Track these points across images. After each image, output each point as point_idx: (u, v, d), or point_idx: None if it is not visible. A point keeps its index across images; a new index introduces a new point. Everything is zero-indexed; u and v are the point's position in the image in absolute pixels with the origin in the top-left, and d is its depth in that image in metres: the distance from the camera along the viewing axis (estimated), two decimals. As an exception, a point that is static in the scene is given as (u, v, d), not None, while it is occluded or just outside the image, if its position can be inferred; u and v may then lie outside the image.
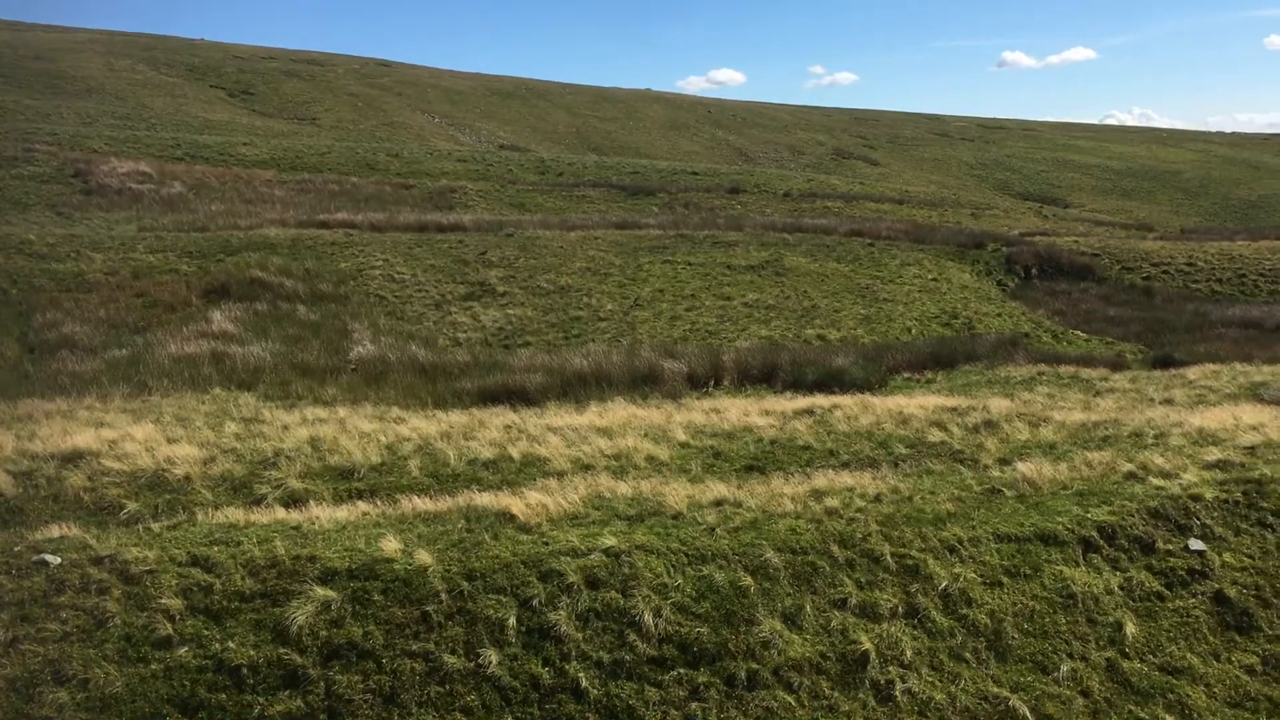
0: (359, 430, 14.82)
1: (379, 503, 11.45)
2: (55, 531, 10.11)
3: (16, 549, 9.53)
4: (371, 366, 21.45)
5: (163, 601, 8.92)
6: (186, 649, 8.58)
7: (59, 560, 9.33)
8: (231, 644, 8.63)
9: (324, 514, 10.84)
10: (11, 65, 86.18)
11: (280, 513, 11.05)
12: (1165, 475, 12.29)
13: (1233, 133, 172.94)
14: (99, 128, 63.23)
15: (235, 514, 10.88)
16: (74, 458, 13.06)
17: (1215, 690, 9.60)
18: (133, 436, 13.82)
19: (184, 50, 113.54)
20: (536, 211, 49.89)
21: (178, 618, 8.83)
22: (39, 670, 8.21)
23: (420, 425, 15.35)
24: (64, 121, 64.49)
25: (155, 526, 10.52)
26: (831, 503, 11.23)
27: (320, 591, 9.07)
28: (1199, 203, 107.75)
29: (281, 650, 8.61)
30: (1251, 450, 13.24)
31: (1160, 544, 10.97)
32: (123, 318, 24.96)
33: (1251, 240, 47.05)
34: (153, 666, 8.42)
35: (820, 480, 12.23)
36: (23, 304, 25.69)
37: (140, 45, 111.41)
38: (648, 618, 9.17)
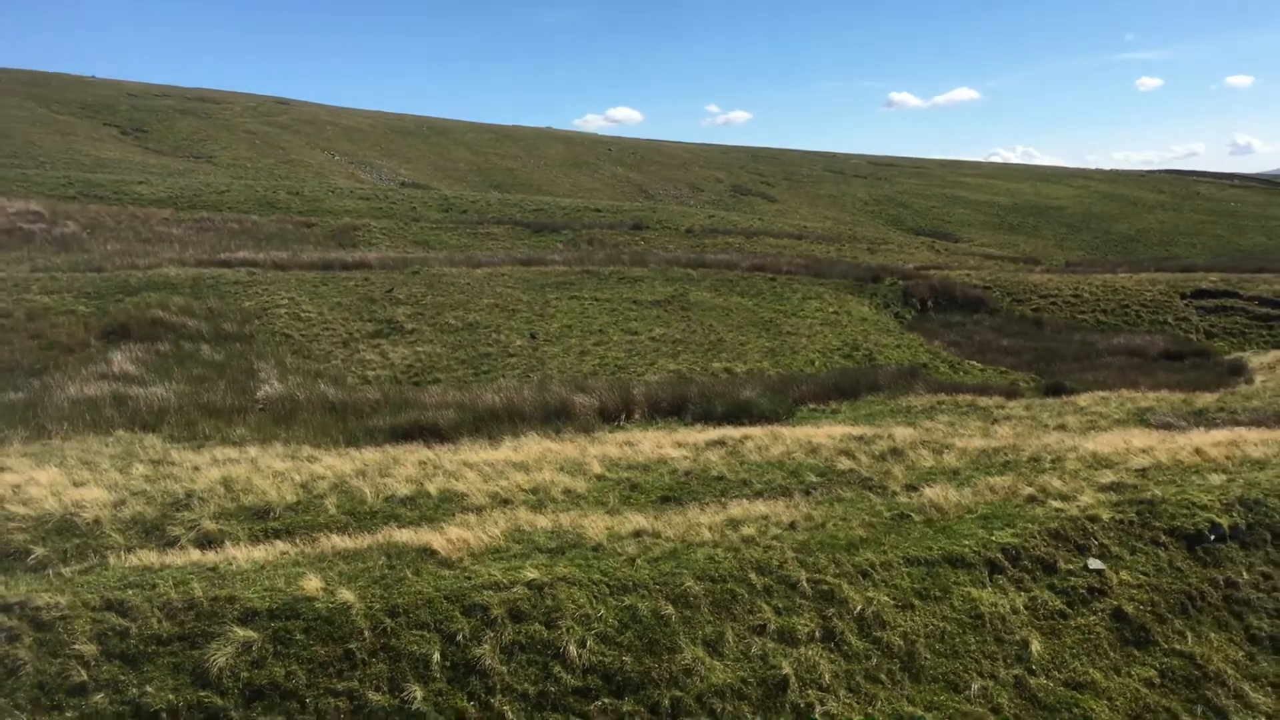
0: (272, 469, 14.63)
1: (297, 542, 11.35)
2: (-40, 579, 9.83)
3: (-79, 598, 9.26)
4: (280, 405, 21.14)
5: (76, 647, 8.76)
6: (103, 695, 8.43)
7: (-34, 608, 9.09)
8: (150, 688, 8.50)
9: (241, 554, 10.72)
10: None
11: (195, 554, 10.90)
12: (1064, 498, 12.82)
13: (1111, 170, 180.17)
14: (-16, 165, 61.29)
15: (149, 556, 10.70)
16: (-26, 504, 12.68)
17: (1117, 703, 10.03)
18: (37, 480, 13.44)
19: (75, 87, 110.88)
20: (441, 249, 49.66)
21: (93, 663, 8.67)
22: (-52, 721, 7.99)
23: (334, 463, 15.23)
24: (-54, 159, 62.40)
25: (66, 571, 10.30)
26: (748, 531, 11.48)
27: (240, 632, 8.99)
28: (1081, 237, 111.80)
29: (202, 693, 8.51)
30: (1143, 472, 13.88)
31: (1061, 564, 11.44)
32: (18, 360, 24.20)
33: (1132, 273, 49.01)
34: (68, 714, 8.26)
35: (736, 509, 12.47)
36: (-92, 347, 24.76)
37: (28, 82, 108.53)
38: (572, 649, 9.28)
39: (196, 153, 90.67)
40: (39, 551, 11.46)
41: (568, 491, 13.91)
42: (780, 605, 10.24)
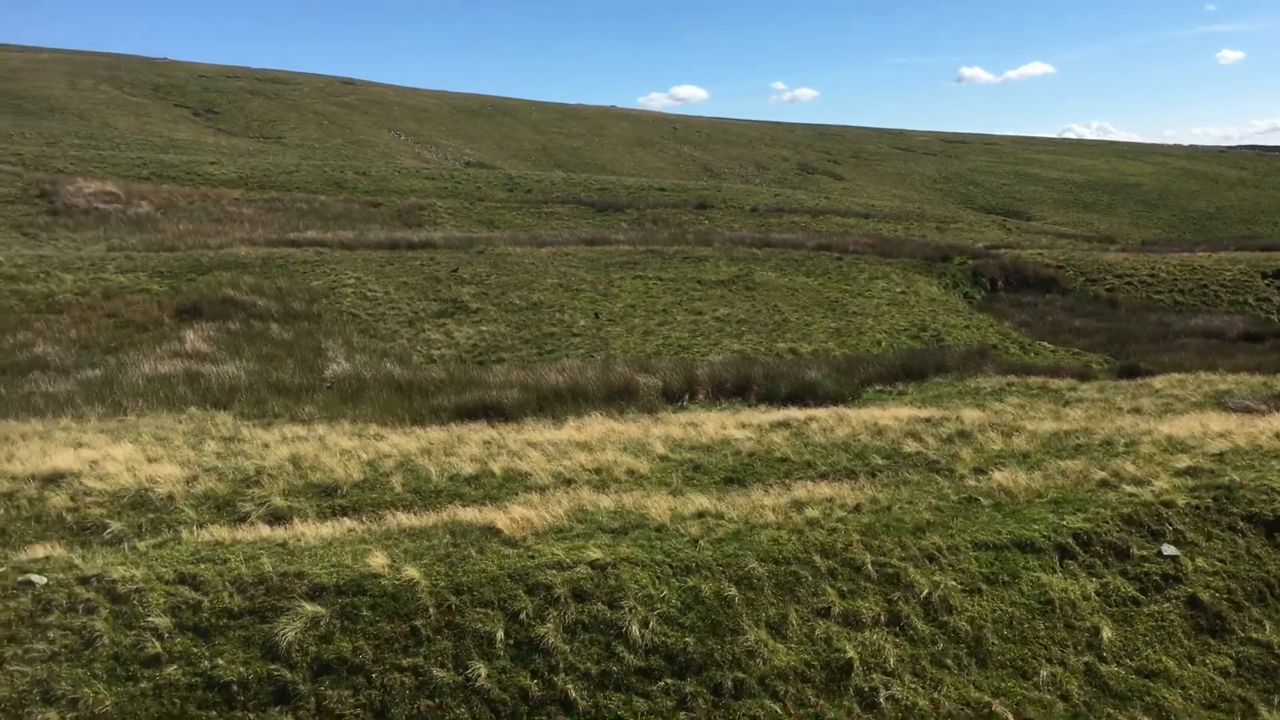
0: (339, 447, 14.82)
1: (363, 519, 11.49)
2: (40, 552, 10.07)
3: (1, 569, 9.50)
4: (347, 384, 21.42)
5: (151, 620, 8.93)
6: (176, 667, 8.58)
7: (45, 580, 9.31)
8: (221, 661, 8.65)
9: (309, 531, 10.86)
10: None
11: (265, 530, 11.06)
12: (1137, 482, 12.53)
13: (1190, 146, 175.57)
14: (63, 147, 62.75)
15: (220, 532, 10.89)
16: (54, 478, 13.00)
17: (1191, 692, 9.80)
18: (113, 456, 13.76)
19: (148, 69, 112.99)
20: (506, 228, 49.94)
21: (166, 636, 8.83)
22: (27, 691, 8.18)
23: (400, 442, 15.38)
24: (27, 142, 63.94)
25: (141, 545, 10.52)
26: (812, 513, 11.38)
27: (308, 607, 9.11)
28: (1158, 215, 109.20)
29: (271, 666, 8.64)
30: (1220, 457, 13.52)
31: (1134, 550, 11.19)
32: (95, 338, 24.82)
33: (1211, 252, 47.79)
34: (142, 685, 8.42)
35: (800, 491, 12.37)
36: (-9, 325, 25.46)
37: (103, 64, 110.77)
38: (634, 629, 9.26)
39: (266, 133, 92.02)
40: (115, 525, 11.73)
41: (631, 472, 13.91)
42: (844, 588, 10.14)
